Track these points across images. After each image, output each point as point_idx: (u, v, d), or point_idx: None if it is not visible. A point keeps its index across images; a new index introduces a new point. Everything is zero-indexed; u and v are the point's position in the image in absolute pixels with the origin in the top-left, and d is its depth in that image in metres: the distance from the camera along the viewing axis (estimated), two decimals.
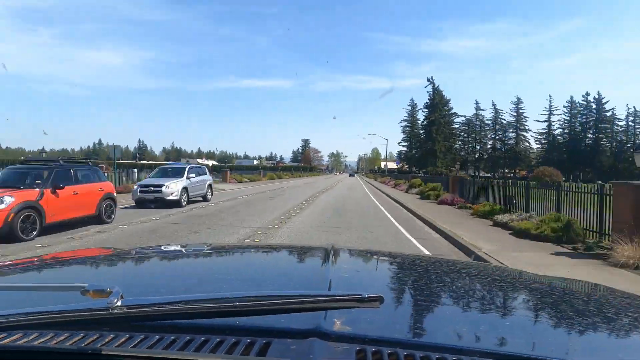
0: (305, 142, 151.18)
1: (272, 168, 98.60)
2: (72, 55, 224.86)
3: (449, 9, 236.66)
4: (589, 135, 70.67)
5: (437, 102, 71.83)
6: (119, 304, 0.66)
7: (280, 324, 0.76)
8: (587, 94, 71.48)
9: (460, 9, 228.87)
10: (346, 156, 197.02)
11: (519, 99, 77.26)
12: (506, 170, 77.06)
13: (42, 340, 0.70)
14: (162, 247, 2.05)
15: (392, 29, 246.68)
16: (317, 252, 1.75)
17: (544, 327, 0.93)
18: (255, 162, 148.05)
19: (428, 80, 73.28)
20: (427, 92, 73.30)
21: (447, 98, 75.61)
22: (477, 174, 72.63)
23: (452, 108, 76.57)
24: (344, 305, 0.72)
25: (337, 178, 74.67)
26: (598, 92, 71.11)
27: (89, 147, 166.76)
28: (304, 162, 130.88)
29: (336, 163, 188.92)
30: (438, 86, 72.74)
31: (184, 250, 1.89)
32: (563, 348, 0.80)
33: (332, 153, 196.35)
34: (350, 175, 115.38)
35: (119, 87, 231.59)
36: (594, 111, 70.18)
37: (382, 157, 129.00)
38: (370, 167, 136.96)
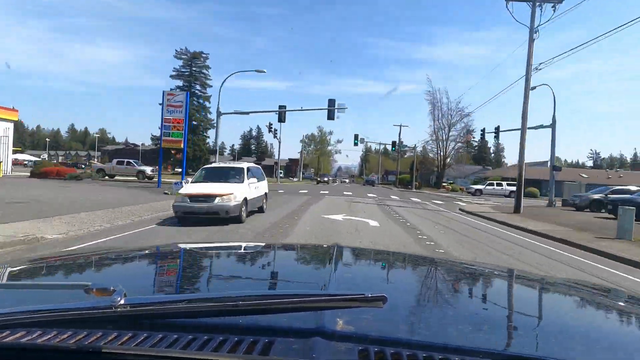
0: None
1: None
2: (65, 51, 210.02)
3: (444, 16, 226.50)
4: None
5: None
6: (122, 302, 0.66)
7: (283, 323, 0.75)
8: None
9: (456, 16, 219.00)
10: (339, 150, 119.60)
11: None
12: None
13: (45, 338, 0.69)
14: (165, 247, 2.09)
15: (388, 33, 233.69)
16: (321, 251, 1.76)
17: (547, 328, 0.93)
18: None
19: None
20: None
21: None
22: None
23: None
24: (347, 304, 0.72)
25: None
26: None
27: None
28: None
29: (321, 157, 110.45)
30: None
31: (187, 250, 1.88)
32: (565, 348, 0.79)
33: (313, 134, 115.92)
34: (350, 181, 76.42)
35: (114, 84, 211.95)
36: None
37: None
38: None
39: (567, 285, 1.44)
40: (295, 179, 58.39)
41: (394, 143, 44.28)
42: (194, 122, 67.18)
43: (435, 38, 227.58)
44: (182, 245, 1.90)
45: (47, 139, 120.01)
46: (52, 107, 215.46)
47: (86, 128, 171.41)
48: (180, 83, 67.98)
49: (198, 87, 69.16)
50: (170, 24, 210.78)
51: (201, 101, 69.01)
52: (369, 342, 0.70)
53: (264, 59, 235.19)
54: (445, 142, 52.12)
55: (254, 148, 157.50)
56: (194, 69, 67.84)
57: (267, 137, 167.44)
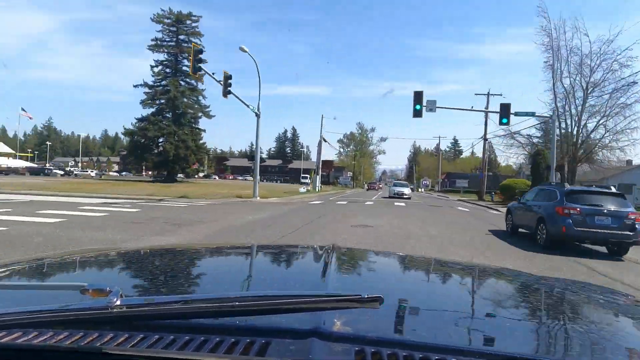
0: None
1: None
2: (120, 65, 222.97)
3: (488, 13, 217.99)
4: None
5: None
6: (118, 303, 0.66)
7: (279, 324, 0.75)
8: None
9: (501, 13, 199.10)
10: (383, 150, 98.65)
11: None
12: None
13: (41, 339, 0.69)
14: (162, 247, 2.02)
15: (429, 34, 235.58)
16: (318, 251, 1.76)
17: (544, 328, 0.95)
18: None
19: None
20: None
21: None
22: None
23: None
24: (344, 305, 0.72)
25: None
26: None
27: None
28: None
29: (361, 158, 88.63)
30: None
31: (183, 250, 1.91)
32: (561, 348, 0.80)
33: (352, 133, 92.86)
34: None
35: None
36: None
37: None
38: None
39: (564, 286, 1.45)
40: (303, 189, 34.30)
41: (505, 108, 18.24)
42: (179, 110, 48.20)
43: (480, 37, 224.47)
44: (178, 246, 1.86)
45: (42, 144, 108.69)
46: (96, 116, 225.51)
47: (116, 133, 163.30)
48: (162, 57, 49.54)
49: (186, 61, 50.36)
50: (210, 34, 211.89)
51: (191, 81, 50.09)
52: (365, 343, 0.69)
53: (302, 65, 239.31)
54: (579, 117, 28.15)
55: (288, 151, 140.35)
56: (180, 37, 49.23)
57: (304, 139, 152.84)
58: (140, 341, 0.68)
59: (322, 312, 0.79)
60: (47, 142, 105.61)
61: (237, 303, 0.67)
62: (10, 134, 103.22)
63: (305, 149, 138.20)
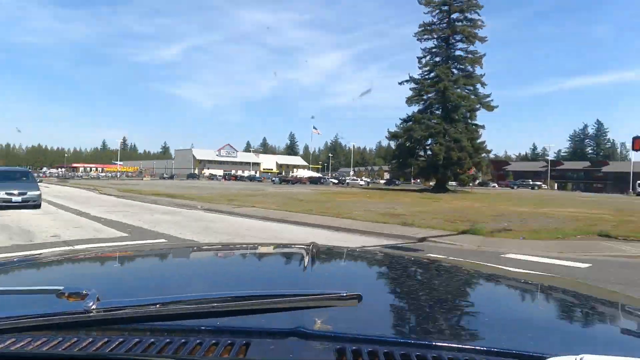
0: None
1: None
2: (393, 83, 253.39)
3: None
4: None
5: None
6: (95, 306, 0.66)
7: (259, 324, 0.75)
8: None
9: None
10: None
11: None
12: None
13: (18, 345, 0.67)
14: (140, 248, 2.07)
15: None
16: (297, 250, 1.79)
17: (525, 323, 0.96)
18: None
19: None
20: None
21: None
22: None
23: None
24: (323, 303, 0.73)
25: None
26: None
27: None
28: None
29: None
30: None
31: (161, 251, 1.90)
32: (543, 342, 0.80)
33: None
34: None
35: None
36: None
37: None
38: None
39: (545, 282, 1.48)
40: None
41: None
42: (451, 103, 38.89)
43: None
44: (156, 246, 1.90)
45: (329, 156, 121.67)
46: (375, 130, 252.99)
47: (388, 144, 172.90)
48: (430, 44, 41.61)
49: (460, 44, 40.59)
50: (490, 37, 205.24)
51: (466, 67, 39.98)
52: (346, 341, 0.70)
53: (603, 49, 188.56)
54: None
55: (590, 150, 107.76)
56: (452, 15, 39.98)
57: (613, 134, 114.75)
58: (119, 345, 0.67)
59: (302, 311, 0.77)
60: (329, 155, 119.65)
61: (216, 304, 0.67)
62: (311, 150, 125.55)
63: (619, 148, 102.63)
